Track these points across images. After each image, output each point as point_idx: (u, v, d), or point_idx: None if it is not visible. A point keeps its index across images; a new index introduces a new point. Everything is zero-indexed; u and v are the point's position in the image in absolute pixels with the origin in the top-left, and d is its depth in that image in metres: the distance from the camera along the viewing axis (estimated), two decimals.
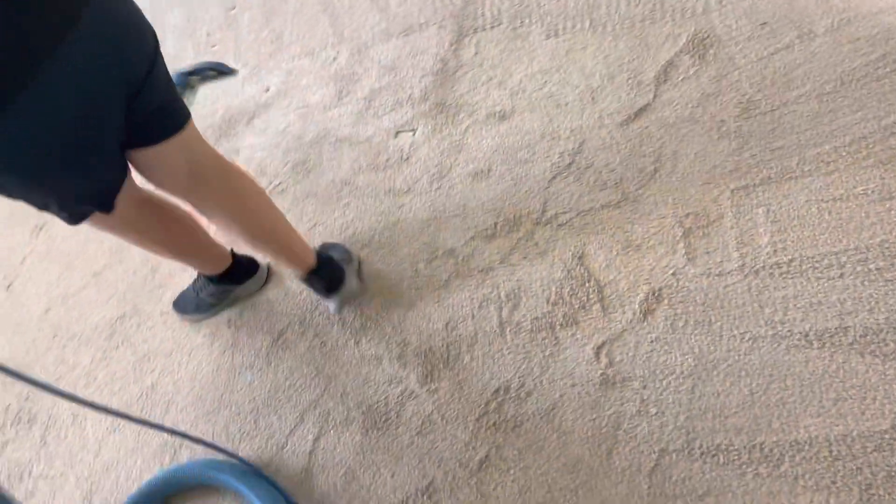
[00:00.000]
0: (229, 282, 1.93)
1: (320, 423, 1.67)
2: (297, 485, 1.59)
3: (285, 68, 2.64)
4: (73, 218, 1.50)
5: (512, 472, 1.42)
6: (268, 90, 2.59)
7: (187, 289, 2.02)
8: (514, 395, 1.51)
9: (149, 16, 1.19)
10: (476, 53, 2.24)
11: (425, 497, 1.47)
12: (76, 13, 1.09)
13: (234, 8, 3.11)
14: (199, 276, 1.95)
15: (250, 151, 2.40)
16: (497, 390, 1.53)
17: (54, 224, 2.53)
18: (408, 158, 2.07)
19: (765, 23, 1.82)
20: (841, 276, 1.38)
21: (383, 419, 1.61)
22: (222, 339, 1.95)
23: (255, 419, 1.75)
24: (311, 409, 1.70)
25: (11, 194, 1.33)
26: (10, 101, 1.04)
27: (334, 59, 2.55)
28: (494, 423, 1.49)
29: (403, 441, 1.56)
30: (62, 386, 1.55)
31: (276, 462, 1.65)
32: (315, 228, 2.06)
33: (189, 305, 2.01)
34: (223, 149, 2.45)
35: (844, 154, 1.53)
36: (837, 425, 1.24)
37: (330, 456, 1.61)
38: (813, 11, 1.79)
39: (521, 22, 2.24)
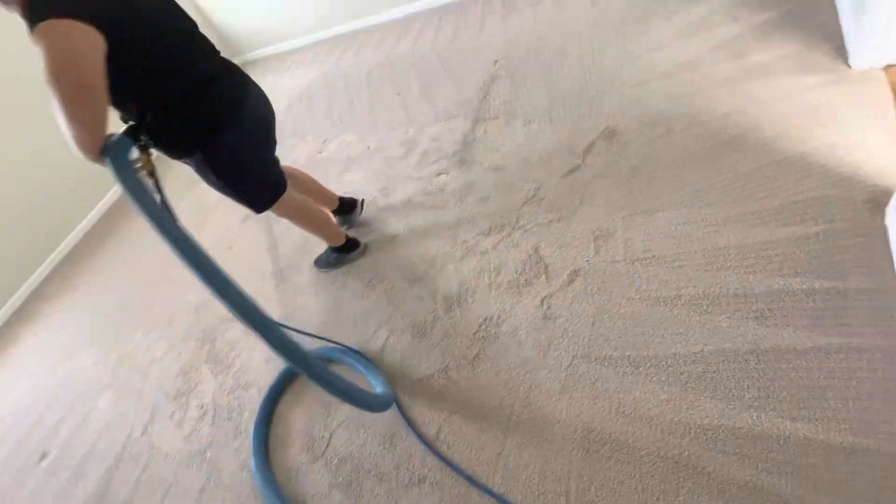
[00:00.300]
0: (343, 251, 1.98)
1: (388, 331, 1.72)
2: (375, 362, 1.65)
3: (378, 135, 2.68)
4: (271, 201, 1.59)
5: (490, 363, 1.46)
6: (369, 147, 2.63)
7: (321, 254, 2.07)
8: (494, 322, 1.54)
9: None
10: (484, 132, 2.25)
11: (443, 374, 1.51)
12: (247, 88, 1.44)
13: (352, 102, 3.15)
14: (328, 246, 1.98)
15: (354, 180, 2.44)
16: (486, 318, 1.57)
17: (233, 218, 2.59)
18: (443, 189, 2.10)
19: (646, 123, 1.83)
20: (681, 266, 1.40)
21: (421, 331, 1.65)
22: (339, 283, 2.01)
23: (355, 327, 1.80)
24: (385, 323, 1.75)
25: (255, 174, 1.51)
26: (239, 109, 1.35)
27: (405, 132, 2.58)
28: (483, 336, 1.53)
29: (432, 343, 1.60)
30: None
31: (364, 351, 1.71)
32: (387, 219, 2.11)
33: (321, 263, 2.07)
34: (345, 178, 2.50)
35: (691, 197, 1.53)
36: (671, 348, 1.26)
37: (392, 349, 1.66)
38: (672, 115, 1.78)
39: (510, 116, 2.25)
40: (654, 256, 1.45)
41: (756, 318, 1.21)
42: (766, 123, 1.58)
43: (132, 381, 2.15)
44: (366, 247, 2.06)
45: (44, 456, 2.08)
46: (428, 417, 1.42)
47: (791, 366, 1.12)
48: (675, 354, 1.24)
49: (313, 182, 1.95)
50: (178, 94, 1.25)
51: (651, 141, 1.76)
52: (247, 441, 1.64)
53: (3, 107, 3.18)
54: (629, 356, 1.29)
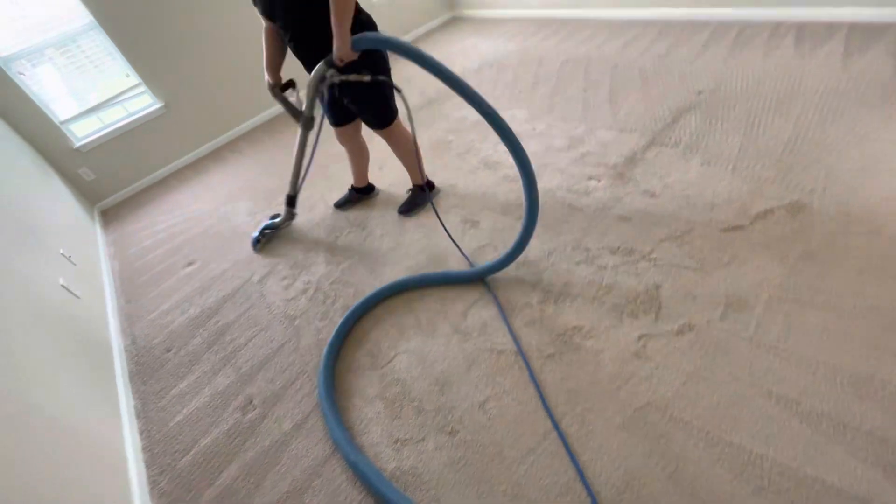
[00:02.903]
0: (427, 189, 2.24)
1: (479, 295, 1.74)
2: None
3: (548, 121, 2.65)
4: (391, 119, 1.94)
5: (562, 366, 1.41)
6: (534, 129, 2.62)
7: (402, 203, 2.31)
8: (583, 333, 1.48)
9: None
10: (655, 156, 2.11)
11: (514, 355, 1.50)
12: None
13: (538, 83, 3.14)
14: (411, 187, 2.29)
15: (505, 152, 2.44)
16: (576, 327, 1.51)
17: None
18: (589, 193, 2.03)
19: (847, 213, 1.54)
20: (815, 374, 1.20)
21: (510, 310, 1.65)
22: (453, 230, 2.07)
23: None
24: (479, 287, 1.78)
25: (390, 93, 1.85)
26: None
27: (575, 128, 2.52)
28: (566, 341, 1.48)
29: (516, 325, 1.60)
30: None
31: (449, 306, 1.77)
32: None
33: (406, 208, 2.29)
34: (499, 147, 2.53)
35: (864, 311, 1.29)
36: (761, 447, 1.11)
37: (476, 314, 1.68)
38: (885, 217, 1.48)
39: (691, 150, 2.07)
40: (786, 350, 1.26)
41: (885, 468, 1.00)
42: None
43: (272, 239, 2.50)
44: (439, 190, 2.32)
45: (190, 264, 2.54)
46: (483, 384, 1.44)
47: None
48: (761, 455, 1.09)
49: (365, 160, 2.35)
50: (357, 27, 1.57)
51: (844, 234, 1.49)
52: (328, 325, 1.83)
53: None
54: (708, 432, 1.16)
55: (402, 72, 3.85)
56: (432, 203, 1.91)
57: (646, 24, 3.40)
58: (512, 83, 3.23)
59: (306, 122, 1.90)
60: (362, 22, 1.64)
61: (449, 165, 2.53)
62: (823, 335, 1.26)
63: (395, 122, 1.95)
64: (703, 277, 1.52)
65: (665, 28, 3.25)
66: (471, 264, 1.86)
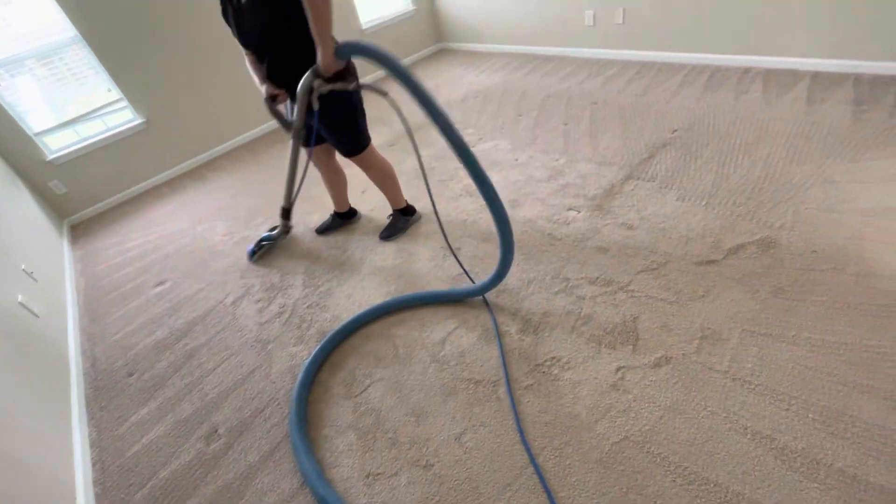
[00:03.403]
0: (408, 213, 2.27)
1: (459, 322, 1.72)
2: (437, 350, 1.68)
3: (529, 153, 2.71)
4: (362, 148, 1.94)
5: (540, 399, 1.39)
6: (517, 160, 2.67)
7: (384, 228, 2.30)
8: (561, 364, 1.47)
9: None
10: (633, 189, 2.16)
11: (491, 386, 1.46)
12: None
13: (521, 115, 3.22)
14: (392, 212, 2.28)
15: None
16: (554, 358, 1.50)
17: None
18: (568, 224, 2.06)
19: (815, 251, 1.60)
20: (788, 409, 1.21)
21: (488, 338, 1.63)
22: (442, 255, 2.06)
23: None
24: (459, 314, 1.75)
25: (360, 122, 1.87)
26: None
27: (556, 159, 2.57)
28: (544, 372, 1.46)
29: (493, 354, 1.58)
30: None
31: (427, 336, 1.74)
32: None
33: (388, 232, 2.27)
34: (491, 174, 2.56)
35: (834, 346, 1.31)
36: (737, 484, 1.10)
37: (454, 341, 1.66)
38: (849, 255, 1.54)
39: (666, 185, 2.13)
40: (760, 385, 1.27)
41: None
42: None
43: (243, 260, 2.45)
44: (420, 215, 2.32)
45: (160, 283, 2.45)
46: (460, 416, 1.40)
47: None
48: (737, 493, 1.08)
49: (342, 184, 2.32)
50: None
51: (812, 271, 1.54)
52: (303, 351, 1.77)
53: None
54: (686, 468, 1.14)
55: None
56: (440, 224, 1.76)
57: (624, 65, 3.55)
58: (496, 114, 3.31)
59: (296, 133, 1.87)
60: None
61: (432, 192, 2.54)
62: (795, 370, 1.28)
63: (368, 149, 1.95)
64: (678, 310, 1.54)
65: (643, 69, 3.40)
66: (473, 282, 1.86)
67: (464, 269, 1.87)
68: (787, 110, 2.43)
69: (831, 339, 1.33)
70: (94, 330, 2.23)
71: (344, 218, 2.46)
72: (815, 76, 2.68)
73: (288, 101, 1.90)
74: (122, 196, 3.65)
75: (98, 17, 3.16)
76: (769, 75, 2.83)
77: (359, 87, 1.67)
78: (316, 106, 1.67)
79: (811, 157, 2.04)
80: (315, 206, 2.74)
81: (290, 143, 1.94)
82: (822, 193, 1.84)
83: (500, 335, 1.60)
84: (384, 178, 2.08)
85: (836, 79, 2.59)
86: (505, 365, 1.49)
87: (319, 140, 2.03)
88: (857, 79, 2.54)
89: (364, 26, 4.56)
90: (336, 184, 2.31)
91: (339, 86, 1.62)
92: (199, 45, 3.62)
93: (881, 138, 2.04)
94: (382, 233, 2.29)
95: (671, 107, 2.78)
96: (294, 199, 2.20)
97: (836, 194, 1.82)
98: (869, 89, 2.42)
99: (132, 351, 2.03)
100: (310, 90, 1.62)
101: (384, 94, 1.59)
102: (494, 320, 1.66)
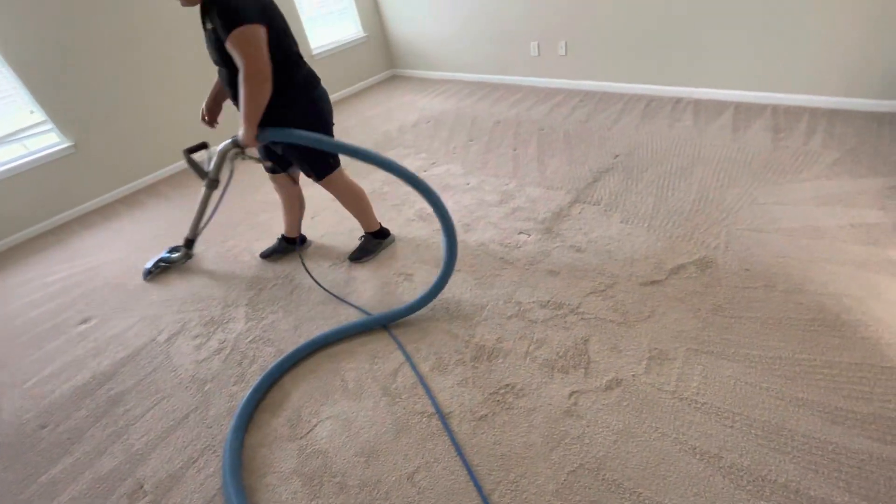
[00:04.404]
0: (380, 237, 2.21)
1: (412, 351, 1.67)
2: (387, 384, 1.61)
3: (481, 177, 2.73)
4: (329, 170, 1.90)
5: (494, 429, 1.34)
6: (468, 184, 2.69)
7: (354, 250, 2.24)
8: (515, 391, 1.44)
9: None
10: (579, 212, 2.22)
11: (444, 419, 1.43)
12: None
13: (472, 140, 3.27)
14: (363, 235, 2.23)
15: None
16: (509, 385, 1.47)
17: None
18: (519, 247, 2.07)
19: (748, 269, 1.69)
20: (732, 427, 1.23)
21: (442, 368, 1.59)
22: (396, 282, 2.00)
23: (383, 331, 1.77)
24: (412, 343, 1.71)
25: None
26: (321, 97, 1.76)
27: (506, 183, 2.61)
28: (498, 401, 1.43)
29: (448, 384, 1.52)
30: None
31: (377, 368, 1.67)
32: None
33: (357, 255, 2.21)
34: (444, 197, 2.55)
35: (770, 361, 1.37)
36: None
37: (406, 373, 1.60)
38: (778, 273, 1.63)
39: (610, 208, 2.20)
40: (705, 403, 1.29)
41: None
42: (885, 325, 1.39)
43: (180, 293, 2.28)
44: (393, 238, 2.27)
45: (85, 321, 2.23)
46: (413, 453, 1.33)
47: None
48: None
49: (300, 210, 2.24)
50: (291, 81, 1.63)
51: (746, 288, 1.62)
52: (244, 390, 1.64)
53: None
54: (640, 493, 1.13)
55: (342, 123, 3.87)
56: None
57: (569, 93, 3.71)
58: (447, 139, 3.34)
59: (210, 184, 1.99)
60: (304, 76, 1.67)
61: (384, 217, 2.49)
62: (736, 387, 1.32)
63: (335, 173, 1.90)
64: (626, 330, 1.56)
65: (585, 97, 3.56)
66: (368, 313, 1.86)
67: (319, 284, 2.02)
68: (715, 137, 2.60)
69: (767, 355, 1.39)
70: (2, 377, 1.98)
71: (291, 243, 2.36)
72: (738, 106, 2.90)
73: (208, 150, 2.05)
74: (44, 225, 3.34)
75: (20, 35, 2.93)
76: (698, 105, 3.04)
77: (280, 162, 1.91)
78: (230, 169, 1.82)
79: (739, 181, 2.18)
80: (262, 233, 2.61)
81: (203, 190, 2.06)
82: (750, 214, 1.96)
83: (414, 365, 1.60)
84: (354, 201, 2.03)
85: (755, 109, 2.82)
86: (436, 405, 1.44)
87: (284, 166, 1.98)
88: (775, 109, 2.77)
89: (315, 52, 4.52)
90: (293, 209, 2.22)
91: (254, 159, 1.79)
92: (137, 62, 3.44)
93: (798, 163, 2.22)
94: (352, 254, 2.22)
95: (612, 133, 2.91)
96: (199, 234, 2.34)
97: (763, 215, 1.94)
98: (784, 118, 2.64)
99: (46, 399, 1.81)
100: (224, 154, 1.74)
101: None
102: (404, 350, 1.66)
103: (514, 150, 2.97)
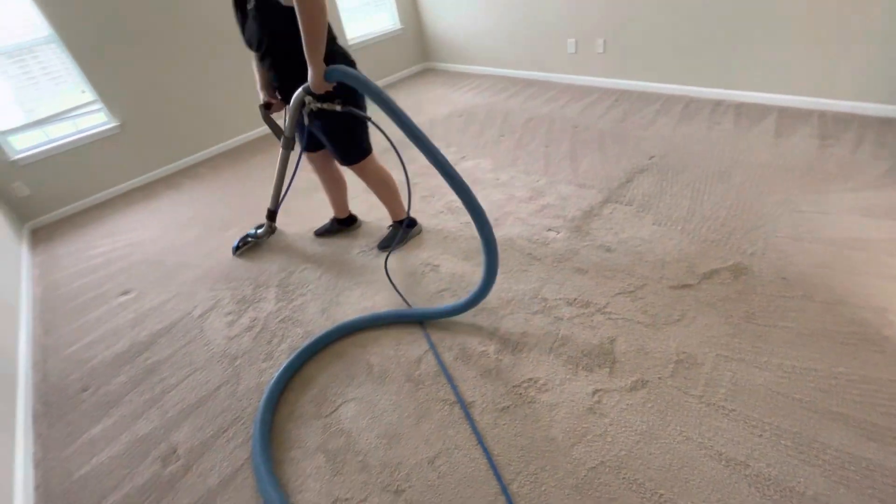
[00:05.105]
0: (409, 226, 2.22)
1: (437, 340, 1.70)
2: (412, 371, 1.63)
3: (511, 173, 2.73)
4: (362, 156, 1.91)
5: (516, 422, 1.35)
6: (498, 179, 2.69)
7: (383, 238, 2.27)
8: (538, 386, 1.45)
9: None
10: (611, 212, 2.19)
11: (468, 407, 1.44)
12: None
13: (503, 136, 3.26)
14: (392, 223, 2.25)
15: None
16: (531, 379, 1.48)
17: None
18: (547, 244, 2.07)
19: (785, 278, 1.64)
20: (761, 436, 1.21)
21: (465, 357, 1.60)
22: (421, 272, 2.03)
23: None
24: (437, 332, 1.73)
25: (360, 129, 1.85)
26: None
27: (537, 180, 2.60)
28: (521, 394, 1.43)
29: (471, 374, 1.54)
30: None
31: (404, 354, 1.70)
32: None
33: (385, 243, 2.24)
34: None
35: (804, 372, 1.33)
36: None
37: (430, 359, 1.63)
38: (817, 284, 1.57)
39: (643, 210, 2.17)
40: (734, 410, 1.27)
41: None
42: None
43: (214, 271, 2.36)
44: (421, 228, 2.29)
45: (125, 293, 2.34)
46: (434, 438, 1.36)
47: None
48: None
49: (342, 189, 2.29)
50: (331, 52, 1.58)
51: (782, 297, 1.57)
52: (272, 367, 1.70)
53: None
54: (661, 495, 1.12)
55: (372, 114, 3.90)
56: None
57: (605, 91, 3.65)
58: (478, 134, 3.34)
59: (286, 143, 1.92)
60: (335, 53, 1.65)
61: (413, 208, 2.52)
62: (767, 396, 1.29)
63: (367, 159, 1.92)
64: (654, 333, 1.54)
65: (621, 96, 3.50)
66: (409, 305, 1.86)
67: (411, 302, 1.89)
68: (756, 142, 2.52)
69: (801, 366, 1.35)
70: (48, 341, 2.10)
71: (343, 224, 2.40)
72: (782, 111, 2.80)
73: (284, 109, 1.89)
74: (90, 201, 3.51)
75: (75, 17, 3.08)
76: (740, 108, 2.95)
77: (346, 112, 1.66)
78: (307, 122, 1.74)
79: (780, 188, 2.11)
80: (293, 219, 2.68)
81: (280, 151, 1.98)
82: (790, 222, 1.90)
83: (438, 354, 1.61)
84: (383, 188, 2.04)
85: (801, 114, 2.72)
86: (457, 392, 1.46)
87: (319, 146, 2.00)
88: (821, 115, 2.67)
89: (351, 42, 4.58)
90: (334, 190, 2.26)
91: (327, 105, 1.64)
92: (183, 47, 3.56)
93: (843, 172, 2.13)
94: (380, 243, 2.25)
95: (648, 134, 2.86)
96: (280, 203, 2.26)
97: (804, 224, 1.88)
98: (832, 125, 2.54)
99: (88, 364, 1.91)
100: (301, 105, 1.67)
101: (367, 118, 1.71)
102: (432, 343, 1.65)
103: (546, 147, 2.95)
